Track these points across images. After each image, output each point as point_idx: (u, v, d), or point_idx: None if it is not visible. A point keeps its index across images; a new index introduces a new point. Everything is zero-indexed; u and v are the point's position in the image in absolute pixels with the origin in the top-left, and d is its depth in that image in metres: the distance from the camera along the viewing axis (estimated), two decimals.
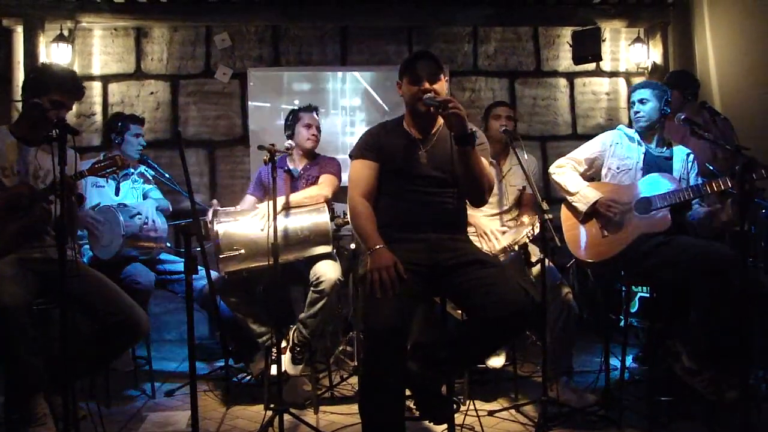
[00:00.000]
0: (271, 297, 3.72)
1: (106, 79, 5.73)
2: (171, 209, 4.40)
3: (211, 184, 5.79)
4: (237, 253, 3.60)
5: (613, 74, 6.15)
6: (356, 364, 4.20)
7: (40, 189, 3.17)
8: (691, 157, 3.67)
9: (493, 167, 3.64)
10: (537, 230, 3.55)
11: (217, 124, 5.81)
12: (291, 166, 4.14)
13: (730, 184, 3.26)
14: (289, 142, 4.08)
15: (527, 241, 3.65)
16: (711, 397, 3.30)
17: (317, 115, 4.25)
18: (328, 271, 3.66)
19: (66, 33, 5.38)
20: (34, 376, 3.00)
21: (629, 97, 3.78)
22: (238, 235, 3.64)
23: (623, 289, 4.17)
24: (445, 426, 2.99)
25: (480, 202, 2.98)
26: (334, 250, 3.90)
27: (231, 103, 5.81)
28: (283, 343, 3.69)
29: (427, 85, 2.85)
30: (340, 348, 4.54)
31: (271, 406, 3.33)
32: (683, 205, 3.47)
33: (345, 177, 3.74)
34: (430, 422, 3.02)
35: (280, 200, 3.73)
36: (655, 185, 3.50)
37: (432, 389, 2.90)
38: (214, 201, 3.96)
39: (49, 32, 5.36)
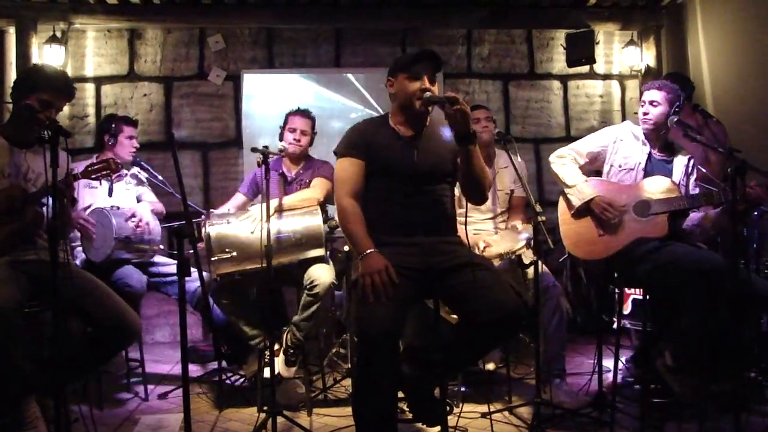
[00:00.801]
0: (264, 300, 3.71)
1: (99, 81, 5.72)
2: (165, 212, 4.39)
3: (204, 186, 5.79)
4: (229, 255, 3.59)
5: (607, 77, 6.18)
6: (350, 366, 4.20)
7: (32, 191, 3.16)
8: (692, 162, 3.63)
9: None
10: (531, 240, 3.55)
11: (211, 126, 5.81)
12: (285, 170, 4.14)
13: (724, 200, 3.27)
14: (282, 144, 4.07)
15: (524, 250, 3.65)
16: (683, 398, 3.33)
17: (308, 118, 4.19)
18: (322, 275, 3.66)
19: (59, 34, 5.38)
20: (25, 379, 2.98)
21: (640, 94, 3.69)
22: (230, 237, 3.63)
23: (616, 291, 4.17)
24: (438, 428, 2.98)
25: (481, 199, 2.96)
26: (327, 253, 3.89)
27: (225, 105, 5.81)
28: (276, 346, 3.68)
29: (427, 84, 2.83)
30: (334, 350, 4.54)
31: (265, 408, 3.33)
32: (681, 212, 3.47)
33: None
34: (423, 424, 3.02)
35: (273, 203, 3.73)
36: (656, 188, 3.49)
37: (425, 391, 2.90)
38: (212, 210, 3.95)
39: (41, 33, 5.36)
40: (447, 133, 2.95)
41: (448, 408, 3.05)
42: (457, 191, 3.03)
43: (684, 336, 3.31)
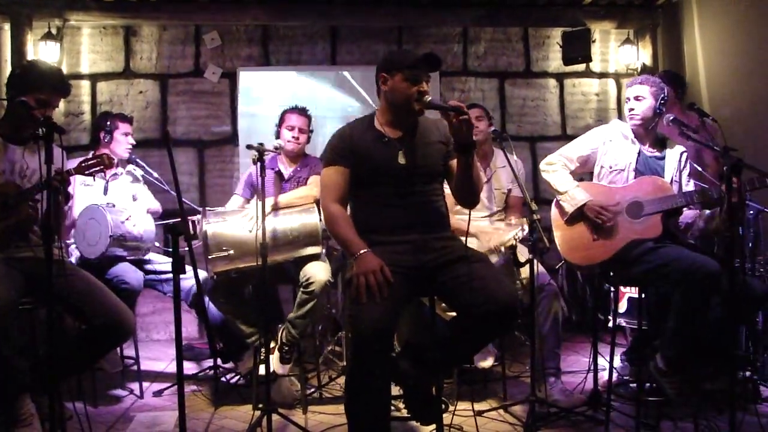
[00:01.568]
0: (259, 297, 3.71)
1: (94, 78, 5.70)
2: (161, 211, 4.38)
3: (200, 184, 5.78)
4: (226, 253, 3.59)
5: (603, 75, 6.18)
6: (345, 364, 4.20)
7: (26, 188, 3.15)
8: (684, 156, 3.63)
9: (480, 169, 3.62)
10: (525, 231, 3.54)
11: (207, 124, 5.79)
12: (281, 168, 4.13)
13: (718, 196, 3.27)
14: (279, 141, 4.05)
15: (514, 242, 3.64)
16: (676, 399, 3.35)
17: (305, 115, 4.18)
18: (318, 273, 3.66)
19: (54, 31, 5.35)
20: (19, 377, 2.98)
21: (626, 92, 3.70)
22: (226, 235, 3.63)
23: (612, 289, 4.17)
24: (433, 426, 2.99)
25: (473, 204, 2.93)
26: (324, 251, 3.89)
27: (220, 103, 5.80)
28: (272, 343, 3.68)
29: (425, 86, 2.80)
30: (329, 348, 4.54)
31: (260, 406, 3.32)
32: (674, 211, 3.47)
33: None
34: (418, 422, 3.02)
35: (269, 201, 3.73)
36: (648, 188, 3.49)
37: (422, 389, 2.90)
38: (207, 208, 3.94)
39: (36, 30, 5.33)
40: (436, 131, 2.94)
41: (443, 406, 3.06)
42: (447, 189, 3.03)
43: (672, 337, 3.33)
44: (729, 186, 2.77)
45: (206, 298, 3.84)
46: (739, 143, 3.12)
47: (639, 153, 3.60)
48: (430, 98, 2.78)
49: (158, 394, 4.00)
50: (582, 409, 3.49)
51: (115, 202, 4.06)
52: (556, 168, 3.69)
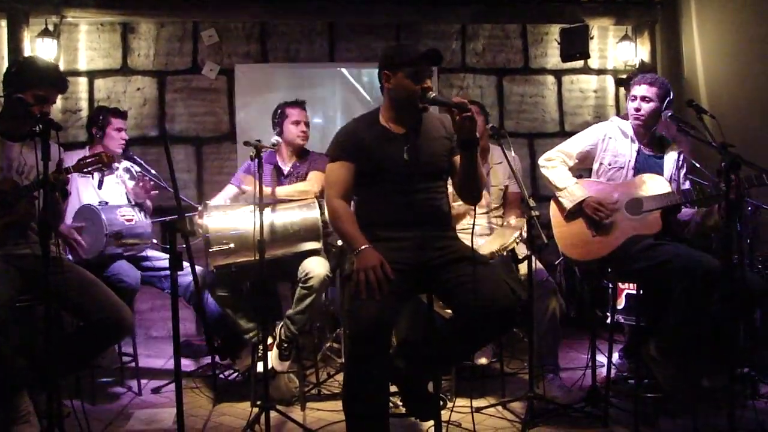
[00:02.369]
0: (258, 292, 3.70)
1: (92, 75, 5.68)
2: (152, 208, 4.35)
3: (198, 181, 5.77)
4: (226, 247, 3.58)
5: (601, 72, 6.18)
6: (343, 360, 4.19)
7: (24, 185, 3.14)
8: (682, 156, 3.63)
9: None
10: (525, 233, 3.54)
11: (205, 121, 5.79)
12: (280, 163, 4.12)
13: (716, 193, 3.26)
14: (276, 138, 4.04)
15: (515, 245, 3.64)
16: (666, 388, 3.37)
17: (305, 108, 4.19)
18: (316, 268, 3.65)
19: (51, 28, 5.34)
20: (17, 374, 2.98)
21: (629, 88, 3.65)
22: (227, 229, 3.62)
23: (610, 285, 4.17)
24: (431, 423, 2.99)
25: (475, 201, 2.92)
26: (323, 246, 3.88)
27: (218, 100, 5.79)
28: (270, 340, 3.68)
29: (428, 83, 2.79)
30: (328, 344, 4.54)
31: (258, 402, 3.32)
32: (673, 208, 3.47)
33: None
34: (416, 419, 3.02)
35: (267, 189, 3.70)
36: (647, 185, 3.49)
37: (419, 386, 2.90)
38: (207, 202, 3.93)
39: (33, 27, 5.31)
40: (441, 128, 2.94)
41: (441, 402, 3.06)
42: (450, 186, 3.03)
43: (669, 332, 3.33)
44: (728, 183, 2.77)
45: (205, 294, 3.84)
46: (737, 139, 3.12)
47: (638, 151, 3.60)
48: (433, 95, 2.78)
49: (156, 391, 4.00)
50: (580, 406, 3.50)
51: (110, 197, 4.05)
52: (555, 164, 3.69)
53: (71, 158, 3.29)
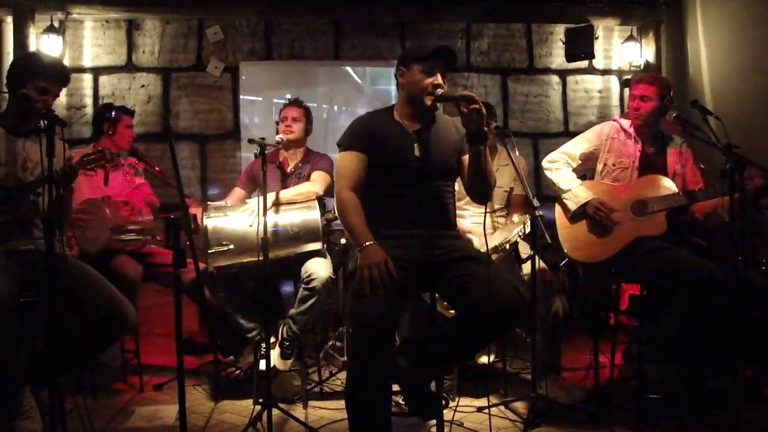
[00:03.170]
0: (260, 293, 3.70)
1: (97, 72, 5.69)
2: (158, 204, 4.36)
3: (202, 178, 5.78)
4: (226, 248, 3.58)
5: (606, 72, 6.18)
6: (346, 359, 4.19)
7: (28, 181, 3.14)
8: (685, 146, 3.63)
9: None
10: (528, 229, 3.53)
11: (209, 118, 5.79)
12: (282, 162, 4.12)
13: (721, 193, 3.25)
14: (280, 136, 4.05)
15: (517, 240, 3.63)
16: (660, 387, 3.40)
17: (299, 106, 4.19)
18: (319, 269, 3.65)
19: (56, 24, 5.35)
20: (20, 370, 2.98)
21: (630, 88, 3.67)
22: (227, 230, 3.62)
23: (614, 286, 4.17)
24: (434, 422, 2.98)
25: (485, 199, 2.92)
26: (324, 246, 3.88)
27: (223, 97, 5.79)
28: (272, 338, 3.68)
29: (440, 79, 2.80)
30: (330, 343, 4.54)
31: (260, 400, 3.32)
32: (679, 209, 3.45)
33: None
34: (419, 418, 3.02)
35: (271, 196, 3.72)
36: (652, 185, 3.48)
37: (421, 385, 2.89)
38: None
39: (39, 23, 5.32)
40: (453, 129, 2.94)
41: (443, 402, 3.05)
42: (456, 185, 3.03)
43: (664, 333, 3.34)
44: (733, 183, 2.76)
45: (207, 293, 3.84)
46: (742, 140, 3.11)
47: (641, 151, 3.60)
48: (442, 91, 2.78)
49: (158, 387, 4.00)
50: (583, 406, 3.49)
51: (113, 194, 4.06)
52: (559, 166, 3.69)
53: (75, 156, 3.28)
